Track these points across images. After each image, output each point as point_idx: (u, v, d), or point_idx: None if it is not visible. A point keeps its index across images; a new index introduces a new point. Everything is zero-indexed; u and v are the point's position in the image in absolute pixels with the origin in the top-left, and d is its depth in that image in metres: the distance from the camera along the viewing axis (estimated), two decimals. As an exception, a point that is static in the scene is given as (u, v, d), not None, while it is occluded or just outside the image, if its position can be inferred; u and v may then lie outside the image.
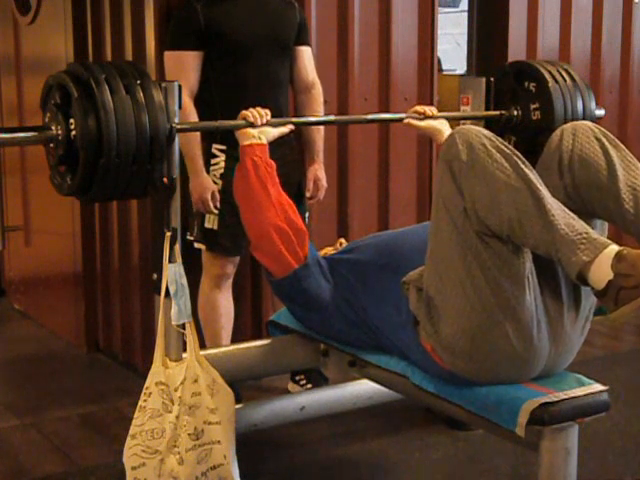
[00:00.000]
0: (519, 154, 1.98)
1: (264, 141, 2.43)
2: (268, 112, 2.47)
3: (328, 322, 2.43)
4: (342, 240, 2.70)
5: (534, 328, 2.01)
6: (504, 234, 1.94)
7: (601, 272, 1.81)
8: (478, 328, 2.01)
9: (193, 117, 2.99)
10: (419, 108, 2.75)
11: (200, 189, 3.05)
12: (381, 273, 2.33)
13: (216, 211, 3.08)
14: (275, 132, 2.49)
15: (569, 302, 2.08)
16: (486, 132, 2.01)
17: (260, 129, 2.43)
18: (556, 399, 1.99)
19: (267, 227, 2.35)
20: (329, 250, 2.62)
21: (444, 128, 2.72)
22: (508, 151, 1.97)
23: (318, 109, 3.27)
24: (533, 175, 1.95)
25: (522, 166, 1.95)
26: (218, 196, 3.06)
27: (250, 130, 2.42)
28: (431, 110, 2.74)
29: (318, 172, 3.28)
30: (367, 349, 2.41)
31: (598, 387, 2.08)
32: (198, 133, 3.02)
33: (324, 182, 3.30)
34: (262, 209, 2.36)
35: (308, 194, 3.27)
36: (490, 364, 2.06)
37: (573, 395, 2.02)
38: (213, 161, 3.11)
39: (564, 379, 2.11)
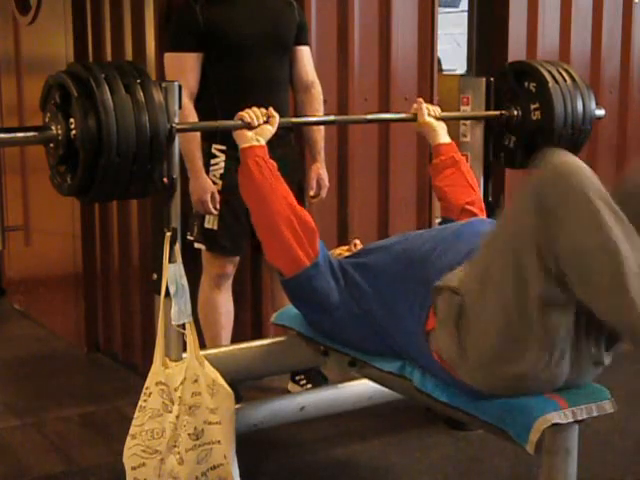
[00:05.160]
0: (620, 213, 1.81)
1: (262, 142, 2.42)
2: (264, 111, 2.47)
3: (338, 325, 2.39)
4: (357, 241, 2.64)
5: (557, 356, 1.96)
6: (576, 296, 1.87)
7: None
8: (505, 346, 1.96)
9: (192, 118, 2.98)
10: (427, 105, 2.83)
11: (200, 191, 3.04)
12: (394, 277, 2.29)
13: (216, 212, 3.08)
14: (272, 129, 2.48)
15: (601, 344, 2.08)
16: (589, 175, 1.81)
17: (256, 130, 2.42)
18: (568, 421, 1.95)
19: (278, 224, 2.32)
20: (343, 250, 2.60)
21: (441, 131, 2.81)
22: (609, 210, 1.80)
23: (318, 108, 3.28)
24: (627, 243, 1.79)
25: (617, 231, 1.78)
26: (218, 197, 3.06)
27: (247, 132, 2.42)
28: (434, 110, 2.83)
29: (320, 171, 3.29)
30: (375, 354, 2.36)
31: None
32: (198, 134, 3.02)
33: (326, 181, 3.30)
34: (271, 207, 2.34)
35: (311, 193, 3.28)
36: (506, 382, 2.01)
37: (585, 410, 1.99)
38: (213, 161, 3.11)
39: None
